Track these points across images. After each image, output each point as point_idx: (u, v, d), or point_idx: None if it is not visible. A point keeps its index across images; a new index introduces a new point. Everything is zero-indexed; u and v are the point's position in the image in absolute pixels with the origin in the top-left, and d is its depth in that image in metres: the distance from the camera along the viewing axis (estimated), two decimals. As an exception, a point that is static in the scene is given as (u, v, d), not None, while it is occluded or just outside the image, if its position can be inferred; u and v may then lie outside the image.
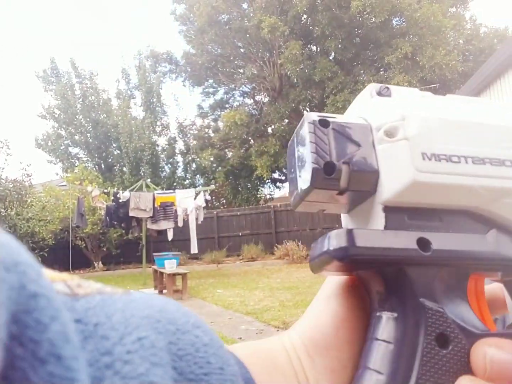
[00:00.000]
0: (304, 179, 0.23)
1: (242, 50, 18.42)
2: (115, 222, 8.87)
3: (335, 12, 14.74)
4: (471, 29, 16.78)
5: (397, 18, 15.97)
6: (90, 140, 15.71)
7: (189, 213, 8.31)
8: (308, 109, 18.74)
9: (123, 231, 9.81)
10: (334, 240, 0.21)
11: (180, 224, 8.36)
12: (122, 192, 8.73)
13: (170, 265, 6.52)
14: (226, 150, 17.39)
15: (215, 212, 13.11)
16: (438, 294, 0.21)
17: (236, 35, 17.46)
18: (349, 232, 0.21)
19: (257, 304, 5.18)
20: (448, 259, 0.21)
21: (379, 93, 0.24)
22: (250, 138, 16.90)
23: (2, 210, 8.72)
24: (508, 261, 0.22)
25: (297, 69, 15.39)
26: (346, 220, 0.27)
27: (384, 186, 0.22)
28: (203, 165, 16.57)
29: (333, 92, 15.06)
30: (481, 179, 0.22)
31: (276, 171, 17.09)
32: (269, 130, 17.12)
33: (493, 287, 0.28)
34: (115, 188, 9.84)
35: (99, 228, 9.82)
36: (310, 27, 16.53)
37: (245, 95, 20.09)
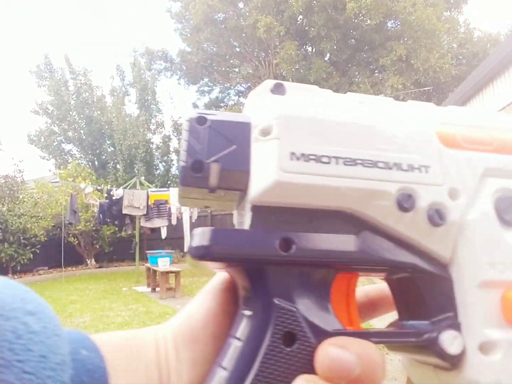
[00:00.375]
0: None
1: (237, 49, 18.42)
2: (108, 220, 8.83)
3: (331, 13, 14.81)
4: (465, 33, 16.97)
5: (392, 21, 16.10)
6: (84, 137, 15.61)
7: (183, 211, 8.31)
8: (303, 110, 18.78)
9: (116, 229, 9.78)
10: (196, 238, 0.21)
11: (174, 222, 8.35)
12: (116, 190, 8.70)
13: (163, 263, 6.52)
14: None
15: (209, 210, 13.11)
16: (295, 293, 0.21)
17: (232, 34, 17.46)
18: (210, 231, 0.21)
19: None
20: (311, 258, 0.21)
21: (273, 90, 0.24)
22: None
23: (-6, 206, 8.65)
24: (377, 262, 0.22)
25: (293, 69, 15.45)
26: (234, 218, 0.28)
27: (252, 185, 0.22)
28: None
29: (328, 93, 15.13)
30: (349, 181, 0.22)
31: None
32: (264, 129, 17.11)
33: (383, 286, 0.29)
34: (109, 186, 9.79)
35: (92, 225, 9.76)
36: (306, 28, 16.58)
37: (240, 94, 20.10)
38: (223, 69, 19.03)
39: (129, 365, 0.22)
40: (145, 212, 8.51)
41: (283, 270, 0.21)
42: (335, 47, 16.02)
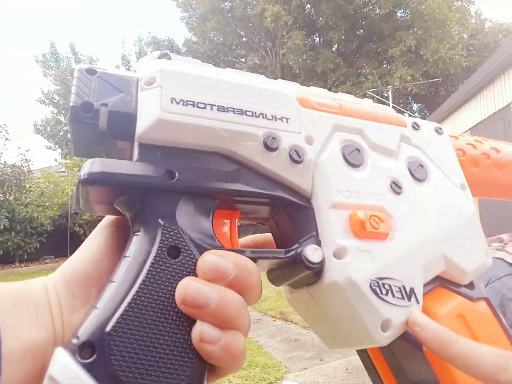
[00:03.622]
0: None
1: (244, 39, 18.24)
2: (113, 210, 8.85)
3: (339, 3, 14.56)
4: (476, 23, 16.63)
5: (402, 10, 15.80)
6: (90, 127, 15.64)
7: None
8: (309, 101, 18.62)
9: (122, 219, 9.79)
10: (87, 166, 0.23)
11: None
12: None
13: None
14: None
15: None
16: (180, 216, 0.24)
17: (239, 23, 17.27)
18: (101, 160, 0.23)
19: (254, 294, 5.21)
20: (191, 187, 0.25)
21: (159, 57, 0.28)
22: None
23: (1, 195, 8.71)
24: (251, 194, 0.27)
25: (300, 60, 15.29)
26: None
27: (138, 125, 0.25)
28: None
29: (335, 84, 14.97)
30: (222, 123, 0.26)
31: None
32: (270, 121, 17.02)
33: (268, 234, 0.34)
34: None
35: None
36: (314, 17, 16.34)
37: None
38: (230, 59, 18.87)
39: (17, 313, 0.22)
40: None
41: (167, 196, 0.24)
42: (343, 37, 15.80)
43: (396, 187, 0.31)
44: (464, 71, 14.30)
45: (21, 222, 8.79)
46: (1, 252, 8.21)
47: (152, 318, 0.21)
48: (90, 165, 0.23)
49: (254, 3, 16.54)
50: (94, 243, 0.27)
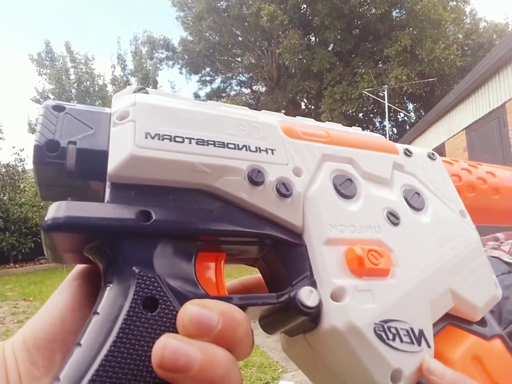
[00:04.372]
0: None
1: (240, 38, 18.21)
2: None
3: (335, 2, 14.58)
4: (471, 23, 16.72)
5: (397, 10, 15.86)
6: (85, 126, 15.55)
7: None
8: (305, 100, 18.67)
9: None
10: (51, 211, 0.21)
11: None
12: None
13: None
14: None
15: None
16: (157, 262, 0.22)
17: (235, 23, 17.25)
18: (66, 203, 0.21)
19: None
20: (169, 229, 0.22)
21: (135, 91, 0.27)
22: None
23: (-5, 195, 8.65)
24: (236, 234, 0.25)
25: (296, 59, 15.29)
26: None
27: (109, 162, 0.23)
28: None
29: (331, 83, 14.99)
30: (202, 157, 0.24)
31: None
32: (266, 120, 17.01)
33: (257, 276, 0.31)
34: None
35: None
36: (310, 17, 16.35)
37: (243, 84, 19.94)
38: (225, 58, 18.84)
39: None
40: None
41: (143, 240, 0.22)
42: (339, 37, 15.82)
43: (393, 218, 0.29)
44: (459, 71, 14.38)
45: (15, 222, 8.72)
46: (-4, 253, 8.16)
47: None
48: (55, 210, 0.21)
49: (250, 2, 16.52)
50: (60, 299, 0.24)
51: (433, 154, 0.37)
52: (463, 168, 0.40)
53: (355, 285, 0.25)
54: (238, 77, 19.38)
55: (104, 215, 0.21)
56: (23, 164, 9.35)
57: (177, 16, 18.92)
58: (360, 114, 17.09)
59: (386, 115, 11.00)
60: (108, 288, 0.21)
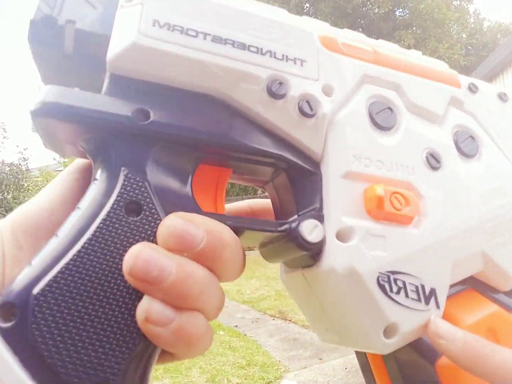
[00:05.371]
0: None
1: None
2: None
3: (338, 2, 14.55)
4: (475, 23, 16.63)
5: (401, 10, 15.80)
6: (88, 126, 15.57)
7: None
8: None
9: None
10: (42, 94, 0.19)
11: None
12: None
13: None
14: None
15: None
16: (149, 167, 0.20)
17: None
18: (59, 88, 0.19)
19: (253, 293, 5.21)
20: (168, 133, 0.20)
21: None
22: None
23: (-1, 194, 8.69)
24: (244, 150, 0.22)
25: (299, 59, 15.24)
26: None
27: (110, 48, 0.20)
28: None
29: (334, 83, 14.97)
30: (217, 57, 0.21)
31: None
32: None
33: (267, 200, 0.29)
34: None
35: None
36: (313, 16, 16.30)
37: None
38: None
39: None
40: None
41: (138, 141, 0.20)
42: (342, 36, 15.78)
43: (433, 161, 0.25)
44: (463, 71, 14.25)
45: (19, 221, 8.79)
46: (-1, 251, 8.21)
47: (91, 285, 0.17)
48: (45, 94, 0.19)
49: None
50: (52, 191, 0.23)
51: (504, 94, 0.32)
52: None
53: (368, 228, 0.22)
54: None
55: (97, 107, 0.19)
56: (26, 163, 9.42)
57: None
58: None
59: (389, 114, 10.98)
60: (93, 184, 0.20)
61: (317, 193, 0.23)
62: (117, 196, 0.19)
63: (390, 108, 0.25)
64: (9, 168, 8.88)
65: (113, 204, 0.19)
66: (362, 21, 15.87)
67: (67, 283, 0.17)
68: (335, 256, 0.21)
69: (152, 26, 0.20)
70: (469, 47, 16.06)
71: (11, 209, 8.68)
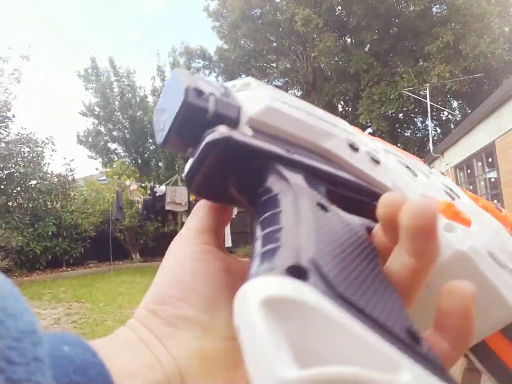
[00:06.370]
0: (173, 106, 0.24)
1: (274, 44, 18.31)
2: (151, 216, 9.14)
3: (371, 2, 14.28)
4: (519, 14, 15.70)
5: (438, 6, 15.24)
6: (128, 136, 16.17)
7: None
8: (342, 103, 18.36)
9: (159, 224, 10.08)
10: (215, 133, 0.23)
11: (214, 218, 8.43)
12: (159, 187, 8.98)
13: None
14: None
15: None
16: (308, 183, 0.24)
17: (269, 29, 17.37)
18: (222, 128, 0.23)
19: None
20: (309, 166, 0.25)
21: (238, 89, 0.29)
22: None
23: (48, 203, 9.20)
24: (354, 184, 0.27)
25: (331, 62, 15.12)
26: None
27: (248, 110, 0.25)
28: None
29: (368, 84, 14.66)
30: (313, 120, 0.27)
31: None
32: (302, 124, 16.91)
33: None
34: (152, 182, 10.08)
35: (136, 221, 10.13)
36: (345, 19, 16.12)
37: (278, 89, 19.95)
38: (260, 64, 19.01)
39: (121, 356, 0.19)
40: (186, 208, 8.72)
41: (293, 167, 0.24)
42: (375, 36, 15.47)
43: (453, 194, 0.33)
44: (507, 65, 13.55)
45: (67, 229, 9.24)
46: (50, 257, 8.68)
47: (346, 245, 0.19)
48: (216, 132, 0.23)
49: (284, 8, 16.58)
50: (187, 261, 0.23)
51: None
52: None
53: (453, 224, 0.27)
54: (273, 82, 19.43)
55: (259, 145, 0.23)
56: (73, 174, 9.92)
57: (213, 26, 19.38)
58: (400, 115, 16.53)
59: (429, 114, 10.59)
60: (275, 197, 0.22)
61: None
62: (309, 199, 0.22)
63: (407, 166, 0.34)
64: (57, 179, 9.39)
65: (310, 204, 0.21)
66: (397, 20, 15.45)
67: (328, 245, 0.18)
68: (452, 242, 0.25)
69: (272, 98, 0.26)
70: (513, 40, 15.17)
71: (59, 217, 9.20)
